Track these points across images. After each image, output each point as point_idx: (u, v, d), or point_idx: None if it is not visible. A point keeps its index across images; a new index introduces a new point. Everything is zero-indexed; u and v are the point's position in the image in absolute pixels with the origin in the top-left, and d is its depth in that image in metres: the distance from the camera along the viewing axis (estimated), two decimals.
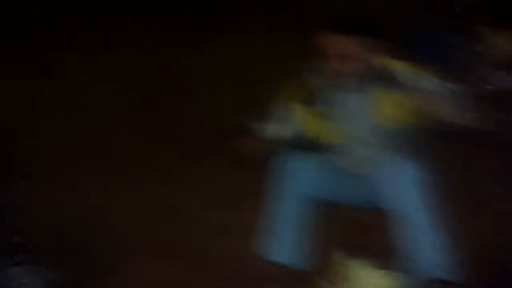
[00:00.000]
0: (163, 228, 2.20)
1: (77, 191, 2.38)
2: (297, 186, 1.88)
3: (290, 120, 2.15)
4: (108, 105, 2.93)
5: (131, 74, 3.11)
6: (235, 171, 2.48)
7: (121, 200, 2.35)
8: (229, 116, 2.76)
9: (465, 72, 2.74)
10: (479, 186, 2.18)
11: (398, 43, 2.81)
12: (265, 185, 1.94)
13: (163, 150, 2.64)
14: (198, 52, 3.24)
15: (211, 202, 2.34)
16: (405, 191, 1.75)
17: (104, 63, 3.15)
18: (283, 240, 1.86)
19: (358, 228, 2.13)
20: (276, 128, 2.15)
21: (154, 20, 3.44)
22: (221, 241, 2.13)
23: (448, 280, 1.66)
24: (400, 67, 1.98)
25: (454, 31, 2.92)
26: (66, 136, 2.73)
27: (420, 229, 1.72)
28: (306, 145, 2.15)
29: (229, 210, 2.28)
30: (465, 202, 2.07)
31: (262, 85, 2.81)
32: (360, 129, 2.02)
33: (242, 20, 3.31)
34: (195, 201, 2.35)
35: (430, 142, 2.09)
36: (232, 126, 2.58)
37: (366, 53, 1.93)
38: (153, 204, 2.33)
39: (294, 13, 3.30)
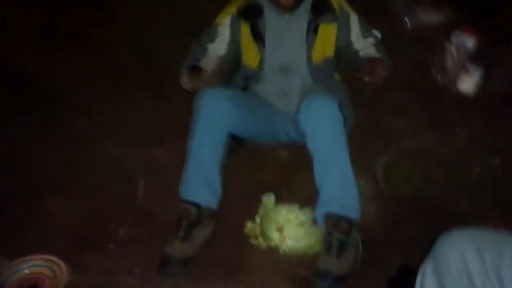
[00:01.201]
0: (80, 166, 2.11)
1: None
2: (209, 122, 1.82)
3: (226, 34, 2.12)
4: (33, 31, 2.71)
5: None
6: (160, 107, 2.40)
7: (39, 136, 2.22)
8: (159, 48, 2.63)
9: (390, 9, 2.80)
10: (389, 121, 2.24)
11: None
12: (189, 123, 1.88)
13: (86, 83, 2.49)
14: None
15: (133, 139, 2.24)
16: (322, 126, 1.76)
17: None
18: (196, 179, 1.82)
19: (272, 165, 2.15)
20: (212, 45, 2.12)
21: None
22: (139, 180, 2.07)
23: (347, 216, 1.70)
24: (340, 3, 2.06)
25: None
26: None
27: (330, 164, 1.75)
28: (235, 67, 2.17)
29: (151, 147, 2.21)
30: (374, 136, 2.16)
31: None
32: (290, 56, 2.04)
33: None
34: (116, 137, 2.24)
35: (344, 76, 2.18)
36: (161, 59, 2.57)
37: None
38: (72, 141, 2.21)
39: None
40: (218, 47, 2.11)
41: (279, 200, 1.90)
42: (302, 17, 2.03)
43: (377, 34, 2.14)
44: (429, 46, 2.54)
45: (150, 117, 2.36)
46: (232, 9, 2.09)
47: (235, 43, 2.11)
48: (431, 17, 2.63)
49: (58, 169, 2.07)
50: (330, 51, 2.05)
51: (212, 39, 2.11)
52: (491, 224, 1.81)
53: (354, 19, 2.07)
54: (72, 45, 2.67)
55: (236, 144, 2.03)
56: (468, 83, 2.27)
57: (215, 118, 1.83)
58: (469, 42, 2.31)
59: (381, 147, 2.12)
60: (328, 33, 2.03)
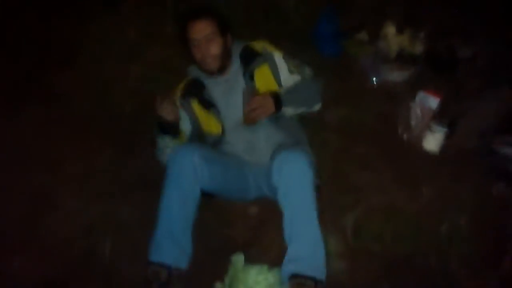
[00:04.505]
0: (39, 223, 2.04)
1: None
2: (180, 180, 1.82)
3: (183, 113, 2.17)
4: None
5: None
6: (127, 162, 2.36)
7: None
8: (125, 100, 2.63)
9: (355, 62, 2.87)
10: (356, 176, 2.24)
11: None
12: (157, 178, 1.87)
13: (48, 135, 2.43)
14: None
15: (97, 194, 2.19)
16: (294, 184, 1.77)
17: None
18: (166, 239, 1.79)
19: (242, 221, 2.12)
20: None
21: None
22: (103, 238, 2.02)
23: (313, 276, 1.68)
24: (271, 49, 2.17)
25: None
26: None
27: (300, 223, 1.75)
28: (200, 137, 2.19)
29: (116, 203, 2.16)
30: (342, 192, 2.15)
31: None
32: (242, 111, 2.08)
33: None
34: (78, 192, 2.20)
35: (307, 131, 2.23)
36: (129, 114, 2.54)
37: (222, 33, 2.08)
38: (32, 195, 2.15)
39: None
40: (184, 126, 2.16)
41: (248, 259, 1.86)
42: (237, 72, 2.15)
43: (307, 70, 2.21)
44: (395, 102, 2.59)
45: (115, 172, 2.32)
46: (177, 93, 2.19)
47: (193, 119, 2.17)
48: (396, 75, 2.70)
49: (17, 228, 2.00)
50: (274, 90, 2.11)
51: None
52: (461, 283, 1.83)
53: (278, 56, 2.16)
54: (35, 94, 2.63)
55: (205, 199, 1.99)
56: (432, 142, 2.32)
57: (187, 177, 1.83)
58: (433, 102, 2.37)
59: (349, 203, 2.11)
60: (264, 74, 2.12)
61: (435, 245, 1.96)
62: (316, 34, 2.97)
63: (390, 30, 2.93)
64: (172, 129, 2.05)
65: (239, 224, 2.10)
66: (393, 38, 2.92)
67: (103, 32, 2.88)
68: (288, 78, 2.15)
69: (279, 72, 2.14)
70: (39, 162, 2.29)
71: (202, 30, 2.04)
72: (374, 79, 2.72)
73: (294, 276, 1.68)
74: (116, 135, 2.46)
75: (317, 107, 2.20)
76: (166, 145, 2.06)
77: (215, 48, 2.05)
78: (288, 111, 2.08)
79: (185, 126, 2.17)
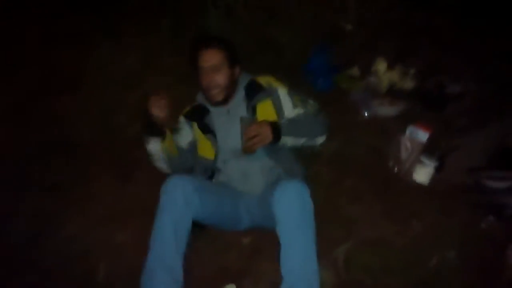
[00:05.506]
0: (40, 246, 2.06)
1: None
2: (174, 210, 1.84)
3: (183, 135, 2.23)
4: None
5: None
6: (124, 188, 2.40)
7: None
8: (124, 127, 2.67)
9: (346, 97, 2.94)
10: (347, 209, 2.27)
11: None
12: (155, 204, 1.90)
13: (48, 158, 2.48)
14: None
15: (95, 219, 2.22)
16: (293, 214, 1.79)
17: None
18: (158, 268, 1.80)
19: (235, 250, 2.13)
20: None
21: None
22: (100, 262, 2.03)
23: None
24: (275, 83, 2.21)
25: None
26: None
27: (294, 248, 1.77)
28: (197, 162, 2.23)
29: (112, 228, 2.18)
30: (334, 225, 2.17)
31: None
32: (240, 142, 2.10)
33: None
34: (78, 217, 2.22)
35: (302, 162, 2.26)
36: (130, 139, 2.58)
37: (230, 64, 2.13)
38: (36, 221, 2.18)
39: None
40: (181, 139, 2.25)
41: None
42: (240, 105, 2.19)
43: (311, 104, 2.25)
44: (385, 136, 2.65)
45: (114, 197, 2.36)
46: (183, 114, 2.28)
47: (194, 139, 2.25)
48: (386, 110, 2.76)
49: (17, 252, 2.02)
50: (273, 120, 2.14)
51: (178, 131, 2.24)
52: None
53: (282, 92, 2.21)
54: (36, 119, 2.68)
55: (198, 228, 2.02)
56: (422, 175, 2.36)
57: (180, 207, 1.85)
58: (423, 135, 2.43)
59: (340, 235, 2.14)
60: (266, 109, 2.16)
61: (425, 280, 1.98)
62: (309, 69, 3.05)
63: (381, 66, 3.02)
64: (159, 130, 2.09)
65: (232, 254, 2.12)
66: (384, 74, 3.00)
67: (104, 59, 2.95)
68: (291, 112, 2.19)
69: (283, 107, 2.19)
70: (39, 187, 2.33)
71: (211, 59, 2.10)
72: (365, 113, 2.78)
73: None
74: (115, 161, 2.50)
75: (320, 140, 2.23)
76: (156, 152, 2.14)
77: (220, 78, 2.11)
78: (288, 141, 2.10)
79: (183, 140, 2.24)
